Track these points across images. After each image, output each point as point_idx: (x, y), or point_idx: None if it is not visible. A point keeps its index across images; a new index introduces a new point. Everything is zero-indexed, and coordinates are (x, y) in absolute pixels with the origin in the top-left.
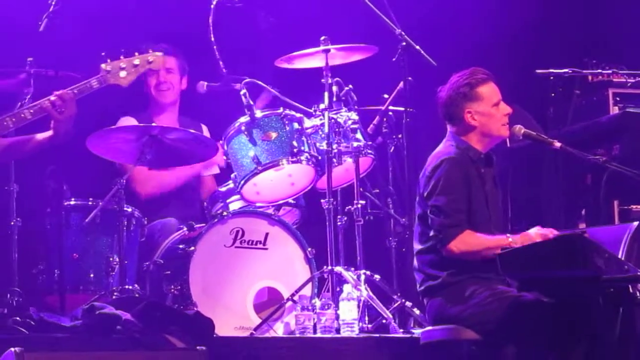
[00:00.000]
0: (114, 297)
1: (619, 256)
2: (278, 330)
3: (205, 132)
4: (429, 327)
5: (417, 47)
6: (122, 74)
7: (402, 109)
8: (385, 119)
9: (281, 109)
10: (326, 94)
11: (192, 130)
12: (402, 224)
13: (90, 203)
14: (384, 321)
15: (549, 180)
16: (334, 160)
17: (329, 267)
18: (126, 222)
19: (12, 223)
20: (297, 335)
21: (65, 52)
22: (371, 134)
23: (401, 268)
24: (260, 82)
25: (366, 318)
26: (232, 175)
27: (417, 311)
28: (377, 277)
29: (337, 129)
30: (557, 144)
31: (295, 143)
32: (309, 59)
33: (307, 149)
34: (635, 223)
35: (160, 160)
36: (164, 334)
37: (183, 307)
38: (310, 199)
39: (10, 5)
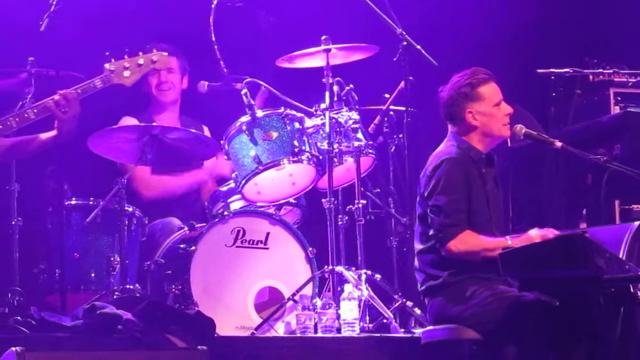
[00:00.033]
0: (115, 296)
1: (620, 256)
2: (279, 329)
3: (207, 133)
4: (430, 327)
5: (418, 46)
6: (126, 73)
7: (403, 108)
8: (386, 119)
9: (282, 109)
10: (327, 94)
11: (193, 130)
12: (403, 223)
13: (91, 203)
14: (385, 321)
15: (550, 180)
16: (335, 159)
17: (330, 267)
18: (127, 221)
19: (13, 222)
20: (298, 335)
21: (66, 52)
22: (372, 133)
23: (402, 268)
24: (261, 82)
25: (367, 318)
26: (233, 175)
27: (418, 311)
28: (378, 276)
29: (338, 129)
30: (558, 144)
31: (296, 143)
32: (310, 59)
33: (308, 148)
34: (636, 223)
35: (161, 159)
36: (165, 333)
37: (184, 307)
38: (311, 199)
39: (11, 5)
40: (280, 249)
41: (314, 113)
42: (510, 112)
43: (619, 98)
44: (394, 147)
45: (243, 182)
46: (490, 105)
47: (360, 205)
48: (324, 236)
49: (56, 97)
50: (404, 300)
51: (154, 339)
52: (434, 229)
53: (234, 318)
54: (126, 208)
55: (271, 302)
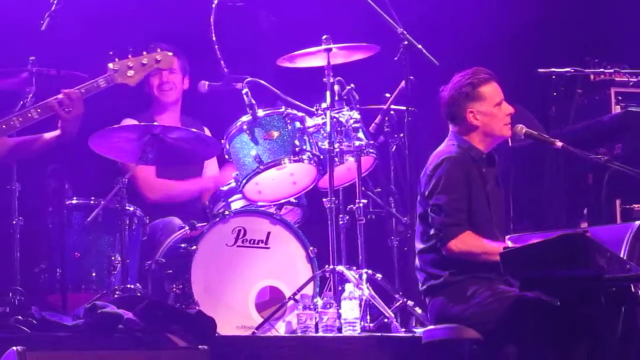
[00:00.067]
0: (115, 296)
1: (621, 255)
2: (280, 329)
3: (207, 134)
4: (431, 327)
5: (419, 46)
6: (130, 73)
7: (403, 108)
8: (387, 118)
9: (283, 108)
10: (328, 93)
11: (194, 130)
12: (403, 223)
13: (92, 202)
14: (385, 320)
15: (551, 180)
16: (336, 159)
17: (331, 266)
18: (128, 221)
19: (14, 222)
20: (299, 335)
21: (67, 51)
22: (373, 133)
23: (403, 267)
24: (262, 81)
25: (368, 317)
26: (234, 174)
27: (418, 310)
28: (378, 276)
29: (339, 128)
30: (559, 144)
31: (297, 142)
32: (311, 58)
33: (309, 148)
34: (637, 222)
35: (162, 159)
36: (166, 333)
37: (185, 306)
38: (312, 198)
39: (12, 4)
40: (281, 248)
41: (315, 112)
42: (511, 111)
43: (620, 97)
44: (394, 147)
45: (244, 181)
46: (491, 105)
47: (361, 204)
48: (325, 236)
49: (60, 96)
50: (405, 299)
51: (155, 339)
52: (434, 229)
53: (235, 317)
54: (127, 207)
55: (272, 302)
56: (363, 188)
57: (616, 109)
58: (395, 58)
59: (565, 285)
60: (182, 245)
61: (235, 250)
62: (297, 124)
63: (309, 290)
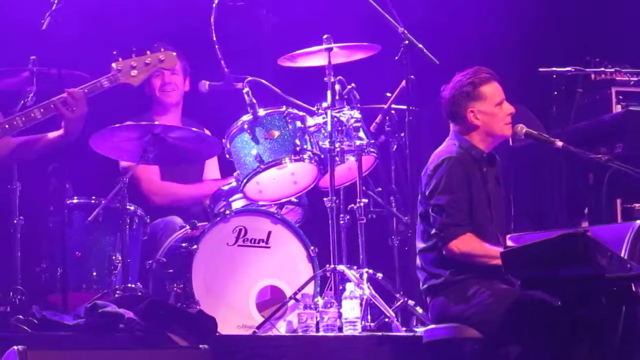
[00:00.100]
0: (116, 295)
1: (622, 255)
2: (281, 328)
3: None
4: (432, 326)
5: (420, 45)
6: (133, 72)
7: (404, 107)
8: (387, 118)
9: (284, 108)
10: (329, 93)
11: (195, 129)
12: (404, 222)
13: (92, 201)
14: (386, 320)
15: (552, 179)
16: (337, 158)
17: (332, 266)
18: (129, 220)
19: (15, 222)
20: (300, 334)
21: (68, 51)
22: (374, 132)
23: (404, 266)
24: (262, 81)
25: (369, 316)
26: (235, 174)
27: (419, 310)
28: (379, 275)
29: (339, 128)
30: (559, 143)
31: (298, 141)
32: (312, 58)
33: (310, 147)
34: (638, 222)
35: (163, 158)
36: (167, 332)
37: (186, 306)
38: (313, 198)
39: (12, 3)
40: (281, 247)
41: (316, 112)
42: (512, 111)
43: (620, 97)
44: (395, 146)
45: (245, 180)
46: (492, 104)
47: (361, 204)
48: (326, 235)
49: (64, 95)
50: (406, 299)
51: (156, 338)
52: (435, 229)
53: (236, 317)
54: (128, 207)
55: (273, 301)
56: (364, 187)
57: (617, 109)
58: (396, 57)
59: (566, 284)
60: (183, 244)
61: (236, 249)
62: (298, 124)
63: (309, 289)
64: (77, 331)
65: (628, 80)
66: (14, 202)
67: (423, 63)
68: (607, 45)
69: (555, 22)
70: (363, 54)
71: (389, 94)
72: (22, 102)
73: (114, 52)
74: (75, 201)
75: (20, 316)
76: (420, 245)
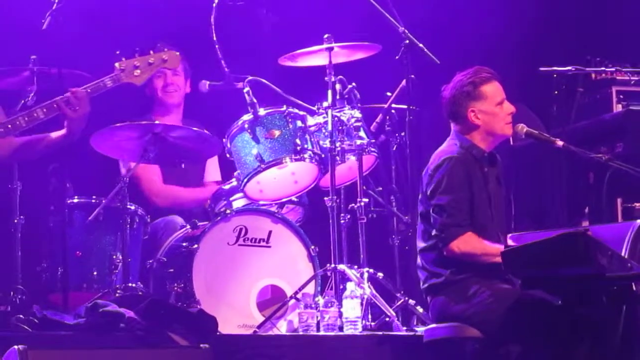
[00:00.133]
0: (117, 295)
1: (622, 254)
2: (281, 328)
3: None
4: (432, 325)
5: (420, 45)
6: (136, 72)
7: (405, 106)
8: (388, 117)
9: (284, 107)
10: (329, 92)
11: (195, 128)
12: (405, 222)
13: (93, 201)
14: (387, 319)
15: (552, 179)
16: (337, 158)
17: (332, 265)
18: (129, 219)
19: (16, 221)
20: (300, 333)
21: (68, 50)
22: (374, 131)
23: (404, 266)
24: (263, 80)
25: (369, 316)
26: (236, 173)
27: (420, 309)
28: (380, 275)
29: (340, 127)
30: (560, 143)
31: (298, 141)
32: (312, 57)
33: (311, 146)
34: (639, 221)
35: (164, 158)
36: (167, 331)
37: (186, 305)
38: (314, 197)
39: (13, 3)
40: (282, 247)
41: (316, 111)
42: (512, 111)
43: (621, 96)
44: (396, 146)
45: (245, 180)
46: (493, 104)
47: (362, 203)
48: (326, 234)
49: (66, 95)
50: (406, 298)
51: (156, 337)
52: (436, 229)
53: (236, 316)
54: (128, 206)
55: (273, 301)
56: (364, 187)
57: (617, 108)
58: (397, 57)
59: (567, 284)
60: (184, 244)
61: (237, 249)
62: (299, 123)
63: (310, 289)
64: (78, 331)
65: (628, 80)
66: (14, 201)
67: (423, 62)
68: (607, 45)
69: (555, 22)
70: (364, 53)
71: (389, 94)
72: (23, 101)
73: (117, 52)
74: (75, 200)
75: (21, 315)
76: (421, 244)
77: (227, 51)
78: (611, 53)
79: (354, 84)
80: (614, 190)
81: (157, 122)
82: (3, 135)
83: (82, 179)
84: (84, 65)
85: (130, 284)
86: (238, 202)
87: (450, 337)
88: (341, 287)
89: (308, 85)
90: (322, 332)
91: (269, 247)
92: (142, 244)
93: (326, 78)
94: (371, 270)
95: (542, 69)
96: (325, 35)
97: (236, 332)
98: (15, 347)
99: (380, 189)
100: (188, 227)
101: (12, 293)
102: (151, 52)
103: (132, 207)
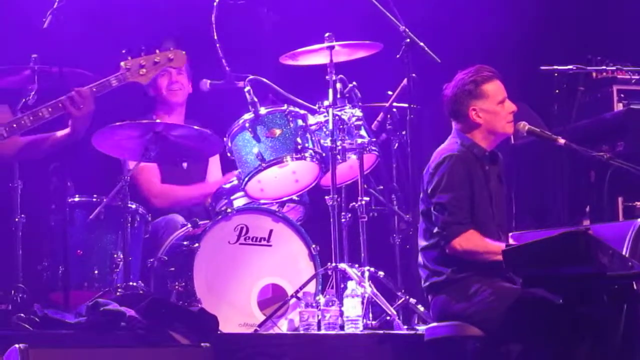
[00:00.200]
0: (118, 293)
1: (623, 253)
2: (282, 327)
3: None
4: (433, 324)
5: (421, 43)
6: (142, 71)
7: (406, 105)
8: (389, 116)
9: (285, 106)
10: (330, 91)
11: (196, 127)
12: (406, 220)
13: (94, 200)
14: (388, 318)
15: (554, 177)
16: (338, 157)
17: (333, 264)
18: (130, 218)
19: (17, 220)
20: (301, 332)
21: (69, 49)
22: (375, 130)
23: (405, 265)
24: (264, 79)
25: (370, 315)
26: (236, 172)
27: (421, 308)
28: (381, 273)
29: (341, 126)
30: (561, 141)
31: (299, 140)
32: (313, 56)
33: (311, 145)
34: None
35: (165, 157)
36: (168, 330)
37: (187, 304)
38: (315, 196)
39: (14, 2)
40: (283, 246)
41: (317, 110)
42: (514, 109)
43: (622, 95)
44: (397, 144)
45: (246, 179)
46: (494, 102)
47: (363, 202)
48: (327, 233)
49: (71, 94)
50: (407, 297)
51: (157, 336)
52: (438, 227)
53: (237, 315)
54: (129, 205)
55: (274, 299)
56: (365, 186)
57: (618, 107)
58: (398, 56)
59: (568, 282)
60: (185, 242)
61: (238, 247)
62: (300, 122)
63: (311, 288)
64: (79, 329)
65: (629, 79)
66: (15, 200)
67: (424, 61)
68: (608, 44)
69: (556, 21)
70: (365, 52)
71: (390, 92)
72: (24, 100)
73: (123, 51)
74: (76, 199)
75: (22, 314)
76: (422, 243)
77: (228, 50)
78: (612, 52)
79: (354, 82)
80: (615, 189)
81: (158, 120)
82: (8, 134)
83: (83, 177)
84: (85, 64)
85: (131, 283)
86: (239, 201)
87: (451, 335)
88: (342, 285)
89: (309, 84)
90: (323, 331)
91: (270, 246)
92: (143, 242)
93: (327, 77)
94: (372, 269)
95: (543, 67)
96: (326, 34)
97: (237, 331)
98: (16, 345)
99: (381, 187)
100: (189, 225)
101: (13, 292)
102: (157, 51)
103: (133, 206)
